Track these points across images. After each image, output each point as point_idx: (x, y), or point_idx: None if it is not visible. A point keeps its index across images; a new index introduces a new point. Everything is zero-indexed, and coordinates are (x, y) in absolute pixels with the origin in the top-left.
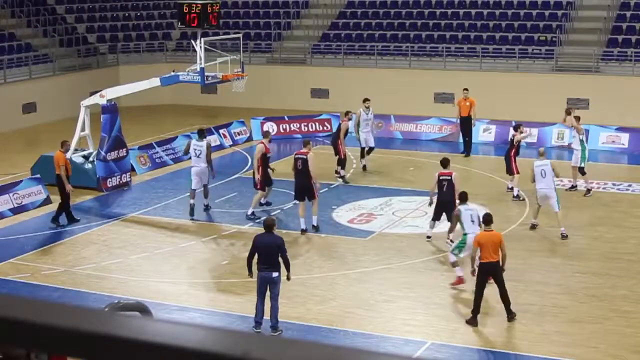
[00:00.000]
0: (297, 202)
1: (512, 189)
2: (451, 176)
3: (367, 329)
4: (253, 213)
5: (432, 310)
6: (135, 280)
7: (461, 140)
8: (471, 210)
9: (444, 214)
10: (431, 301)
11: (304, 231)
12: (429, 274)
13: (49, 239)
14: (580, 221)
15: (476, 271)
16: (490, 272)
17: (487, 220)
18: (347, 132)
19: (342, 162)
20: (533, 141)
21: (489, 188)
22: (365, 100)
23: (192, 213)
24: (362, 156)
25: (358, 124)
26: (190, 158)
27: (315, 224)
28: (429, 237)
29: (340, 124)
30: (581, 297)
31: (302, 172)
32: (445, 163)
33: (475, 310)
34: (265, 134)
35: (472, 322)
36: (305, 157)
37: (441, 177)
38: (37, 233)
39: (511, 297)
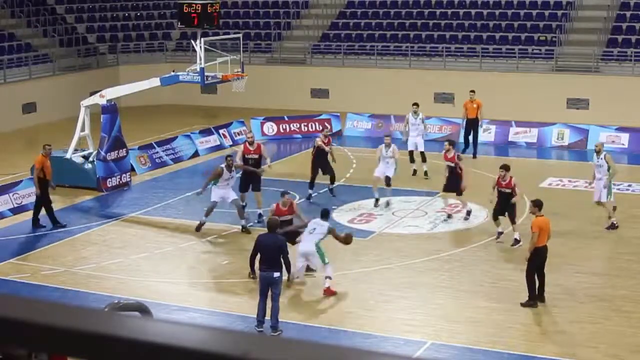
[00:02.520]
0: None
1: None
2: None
3: (367, 329)
4: (260, 215)
5: (432, 310)
6: (135, 280)
7: (461, 140)
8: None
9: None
10: (431, 301)
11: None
12: (429, 274)
13: (49, 239)
14: (580, 221)
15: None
16: (543, 255)
17: (540, 205)
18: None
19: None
20: (533, 141)
21: (488, 187)
22: (414, 104)
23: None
24: (412, 160)
25: (406, 128)
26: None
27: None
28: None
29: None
30: (581, 297)
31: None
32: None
33: (533, 293)
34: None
35: (533, 304)
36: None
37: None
38: (37, 233)
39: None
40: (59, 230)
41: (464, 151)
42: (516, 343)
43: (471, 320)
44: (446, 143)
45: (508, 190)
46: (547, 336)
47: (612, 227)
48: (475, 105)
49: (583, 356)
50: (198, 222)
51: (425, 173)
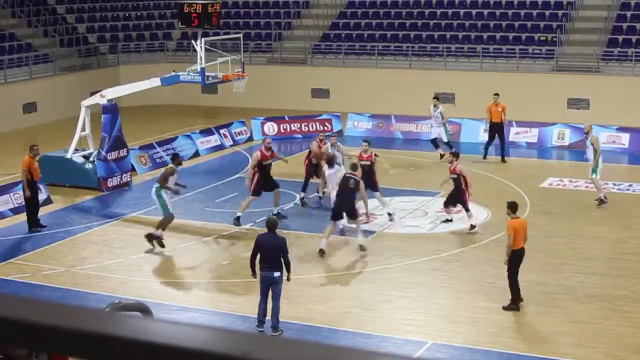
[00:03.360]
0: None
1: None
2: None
3: (368, 329)
4: (239, 217)
5: (433, 310)
6: (135, 280)
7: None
8: None
9: None
10: (431, 301)
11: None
12: (429, 274)
13: (50, 239)
14: (581, 221)
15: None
16: (522, 257)
17: (515, 207)
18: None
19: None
20: (533, 141)
21: (488, 188)
22: (434, 98)
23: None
24: (436, 147)
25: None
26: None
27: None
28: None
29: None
30: (581, 297)
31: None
32: None
33: (516, 295)
34: (263, 140)
35: (515, 307)
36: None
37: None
38: (38, 233)
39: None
40: (59, 230)
41: (484, 157)
42: (516, 343)
43: (472, 320)
44: (364, 143)
45: (455, 176)
46: (547, 336)
47: (601, 202)
48: (500, 109)
49: (583, 356)
50: (158, 236)
51: (441, 156)
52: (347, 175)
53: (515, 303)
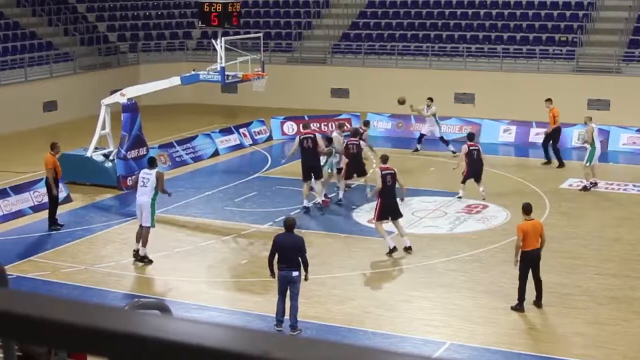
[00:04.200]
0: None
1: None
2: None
3: (386, 329)
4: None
5: (451, 311)
6: (154, 278)
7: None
8: None
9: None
10: (450, 302)
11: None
12: (448, 274)
13: (69, 237)
14: (600, 222)
15: (518, 261)
16: (533, 259)
17: (528, 209)
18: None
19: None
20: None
21: (508, 189)
22: (428, 98)
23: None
24: (419, 142)
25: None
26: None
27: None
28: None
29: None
30: (600, 298)
31: (311, 151)
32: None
33: (521, 298)
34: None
35: (519, 308)
36: (313, 135)
37: (471, 148)
38: (57, 231)
39: (530, 298)
40: (79, 228)
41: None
42: (534, 344)
43: (490, 321)
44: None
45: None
46: (565, 337)
47: (584, 188)
48: (551, 115)
49: (601, 358)
50: (141, 253)
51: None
52: (301, 137)
53: (521, 304)
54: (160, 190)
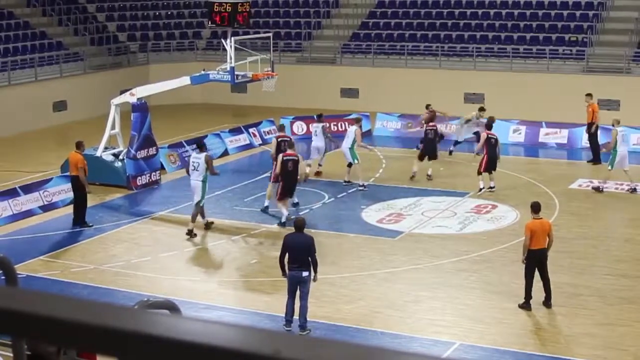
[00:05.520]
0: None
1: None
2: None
3: (396, 329)
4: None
5: (461, 311)
6: (164, 278)
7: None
8: None
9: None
10: (460, 302)
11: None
12: (458, 274)
13: (79, 237)
14: (611, 223)
15: (525, 259)
16: (540, 258)
17: (537, 208)
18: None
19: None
20: (563, 142)
21: (518, 189)
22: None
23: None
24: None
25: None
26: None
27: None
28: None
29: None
30: (611, 299)
31: (293, 173)
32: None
33: (528, 295)
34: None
35: (527, 306)
36: (295, 158)
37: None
38: (67, 230)
39: (540, 298)
40: (89, 228)
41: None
42: (544, 344)
43: (500, 321)
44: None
45: None
46: (575, 338)
47: (596, 189)
48: (590, 110)
49: (612, 359)
50: (189, 227)
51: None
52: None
53: (527, 302)
54: (211, 173)
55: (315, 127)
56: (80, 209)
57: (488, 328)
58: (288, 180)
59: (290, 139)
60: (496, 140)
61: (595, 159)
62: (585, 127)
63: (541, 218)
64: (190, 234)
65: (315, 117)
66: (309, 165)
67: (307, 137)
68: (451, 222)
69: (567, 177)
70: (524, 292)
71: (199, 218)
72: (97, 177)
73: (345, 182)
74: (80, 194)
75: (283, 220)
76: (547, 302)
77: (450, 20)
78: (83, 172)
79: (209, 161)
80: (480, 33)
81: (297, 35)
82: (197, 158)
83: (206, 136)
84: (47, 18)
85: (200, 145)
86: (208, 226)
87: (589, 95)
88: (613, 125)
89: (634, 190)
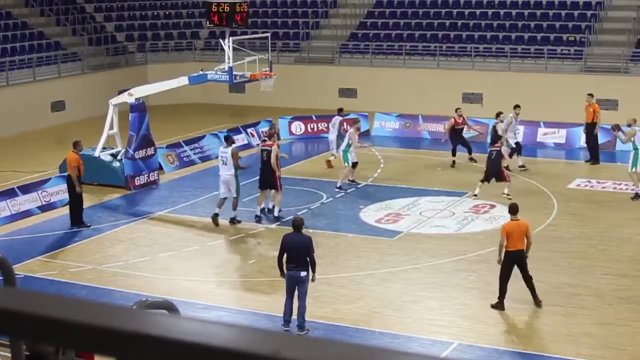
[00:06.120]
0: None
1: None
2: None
3: (394, 329)
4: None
5: (459, 311)
6: (162, 278)
7: (488, 141)
8: None
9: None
10: (458, 302)
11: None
12: (456, 274)
13: (77, 237)
14: (609, 223)
15: (502, 260)
16: (516, 259)
17: (514, 209)
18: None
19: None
20: (561, 142)
21: (515, 189)
22: (516, 106)
23: (214, 221)
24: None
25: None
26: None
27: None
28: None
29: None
30: (609, 299)
31: (266, 163)
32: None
33: (502, 294)
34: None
35: (499, 306)
36: (269, 148)
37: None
38: (65, 231)
39: (530, 300)
40: (87, 228)
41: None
42: (543, 344)
43: (498, 321)
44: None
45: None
46: (574, 338)
47: (637, 196)
48: (591, 110)
49: (610, 358)
50: (231, 216)
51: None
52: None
53: (501, 302)
54: (235, 166)
55: (335, 120)
56: (76, 209)
57: (486, 328)
58: (262, 171)
59: (269, 131)
60: (498, 152)
61: (594, 159)
62: (584, 127)
63: (518, 219)
64: (233, 221)
65: (337, 111)
66: (334, 156)
67: (306, 137)
68: (449, 222)
69: (565, 177)
70: (498, 292)
71: (216, 208)
72: (95, 177)
73: (349, 181)
74: (74, 194)
75: (256, 213)
76: (535, 301)
77: (448, 20)
78: (76, 171)
79: (234, 154)
80: (479, 33)
81: (295, 35)
82: (224, 152)
83: (231, 131)
84: (45, 18)
85: (227, 138)
86: (215, 220)
87: (591, 95)
88: (629, 125)
89: (637, 196)
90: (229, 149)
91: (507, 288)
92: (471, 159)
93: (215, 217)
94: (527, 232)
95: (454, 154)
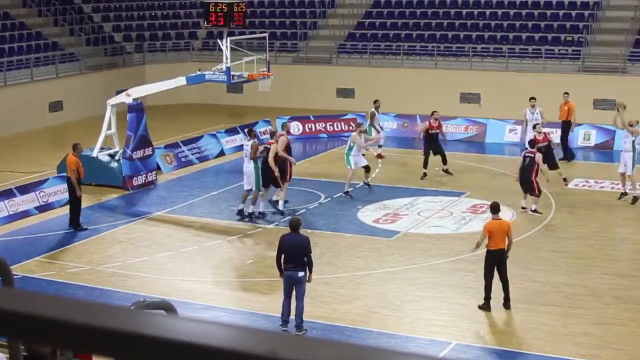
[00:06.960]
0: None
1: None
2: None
3: (392, 329)
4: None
5: (457, 311)
6: (160, 278)
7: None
8: None
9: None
10: (456, 302)
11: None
12: (454, 274)
13: (75, 237)
14: (607, 222)
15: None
16: (497, 258)
17: (496, 208)
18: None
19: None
20: (559, 142)
21: (513, 189)
22: (532, 98)
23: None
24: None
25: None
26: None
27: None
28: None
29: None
30: (607, 298)
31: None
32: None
33: (487, 296)
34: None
35: (486, 307)
36: (270, 147)
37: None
38: (63, 231)
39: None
40: (83, 230)
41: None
42: (541, 344)
43: (496, 321)
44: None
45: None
46: (572, 337)
47: (635, 200)
48: (567, 108)
49: (608, 358)
50: (250, 210)
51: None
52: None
53: (487, 302)
54: (251, 157)
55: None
56: (73, 211)
57: (484, 328)
58: (262, 170)
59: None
60: (532, 158)
61: (568, 157)
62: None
63: (500, 219)
64: (240, 214)
65: (373, 103)
66: (380, 147)
67: (304, 137)
68: (447, 222)
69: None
70: (484, 292)
71: (240, 204)
72: (93, 178)
73: (364, 183)
74: (73, 197)
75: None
76: (506, 304)
77: (446, 20)
78: (75, 174)
79: (253, 145)
80: (477, 33)
81: (293, 35)
82: (247, 145)
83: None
84: (42, 18)
85: (250, 131)
86: (240, 214)
87: (567, 93)
88: (632, 125)
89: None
90: (250, 142)
91: (493, 287)
92: (446, 171)
93: (240, 212)
94: (509, 231)
95: (425, 165)
